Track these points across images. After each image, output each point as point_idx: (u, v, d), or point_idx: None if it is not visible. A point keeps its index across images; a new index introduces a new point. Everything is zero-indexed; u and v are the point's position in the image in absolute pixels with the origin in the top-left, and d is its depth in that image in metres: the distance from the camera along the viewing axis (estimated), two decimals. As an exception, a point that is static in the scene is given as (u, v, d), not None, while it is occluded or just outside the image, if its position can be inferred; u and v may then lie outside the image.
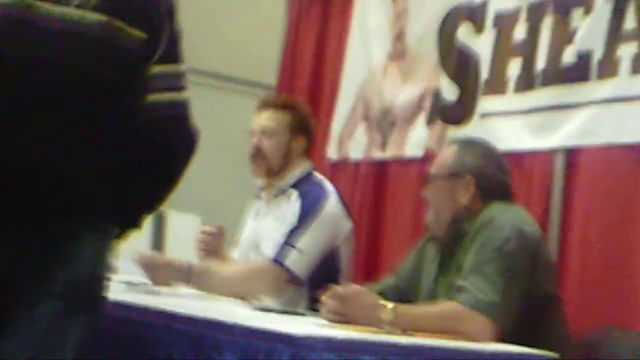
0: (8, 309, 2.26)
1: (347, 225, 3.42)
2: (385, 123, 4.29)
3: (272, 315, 2.76)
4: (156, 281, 3.24)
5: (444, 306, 2.71)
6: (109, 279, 2.38)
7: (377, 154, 4.32)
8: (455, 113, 3.92)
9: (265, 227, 3.44)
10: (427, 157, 3.83)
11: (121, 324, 2.64)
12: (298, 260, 3.26)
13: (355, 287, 2.75)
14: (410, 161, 4.12)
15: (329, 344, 2.26)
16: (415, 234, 3.65)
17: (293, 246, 3.26)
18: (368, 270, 4.10)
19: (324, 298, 2.67)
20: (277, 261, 3.26)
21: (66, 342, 2.28)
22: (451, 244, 2.91)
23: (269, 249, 3.31)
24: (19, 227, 2.26)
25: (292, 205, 3.36)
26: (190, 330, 2.51)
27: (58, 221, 2.29)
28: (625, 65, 3.22)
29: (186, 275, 3.25)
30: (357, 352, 2.29)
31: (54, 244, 2.29)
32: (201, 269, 3.30)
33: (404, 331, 2.53)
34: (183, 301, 2.95)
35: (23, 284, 2.26)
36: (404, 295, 3.00)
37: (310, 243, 3.28)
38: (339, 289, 2.69)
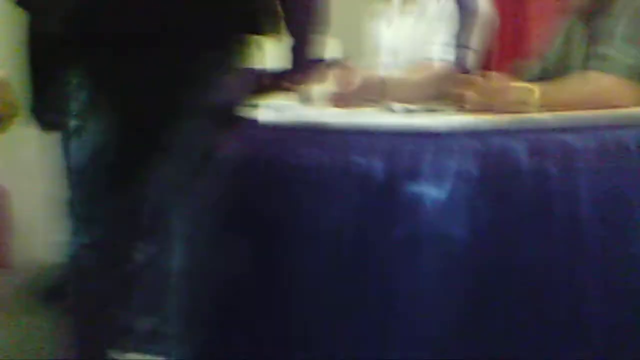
0: (154, 134, 2.27)
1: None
2: None
3: (415, 114, 2.62)
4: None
5: (591, 78, 2.53)
6: (250, 102, 2.40)
7: None
8: None
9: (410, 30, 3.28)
10: None
11: (266, 143, 2.57)
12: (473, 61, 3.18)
13: (496, 75, 2.56)
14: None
15: (472, 133, 2.12)
16: (557, 13, 3.43)
17: (467, 47, 3.15)
18: (512, 56, 3.89)
19: (464, 91, 2.50)
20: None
21: (211, 163, 2.30)
22: (599, 13, 2.67)
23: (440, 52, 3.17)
24: (162, 52, 2.22)
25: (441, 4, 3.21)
26: (336, 137, 2.45)
27: (200, 46, 2.25)
28: None
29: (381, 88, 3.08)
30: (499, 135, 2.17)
31: (195, 67, 2.26)
32: (395, 80, 3.12)
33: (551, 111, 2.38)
34: (324, 113, 2.84)
35: (168, 108, 2.26)
36: (552, 78, 2.79)
37: (477, 42, 3.18)
38: (479, 79, 2.51)
